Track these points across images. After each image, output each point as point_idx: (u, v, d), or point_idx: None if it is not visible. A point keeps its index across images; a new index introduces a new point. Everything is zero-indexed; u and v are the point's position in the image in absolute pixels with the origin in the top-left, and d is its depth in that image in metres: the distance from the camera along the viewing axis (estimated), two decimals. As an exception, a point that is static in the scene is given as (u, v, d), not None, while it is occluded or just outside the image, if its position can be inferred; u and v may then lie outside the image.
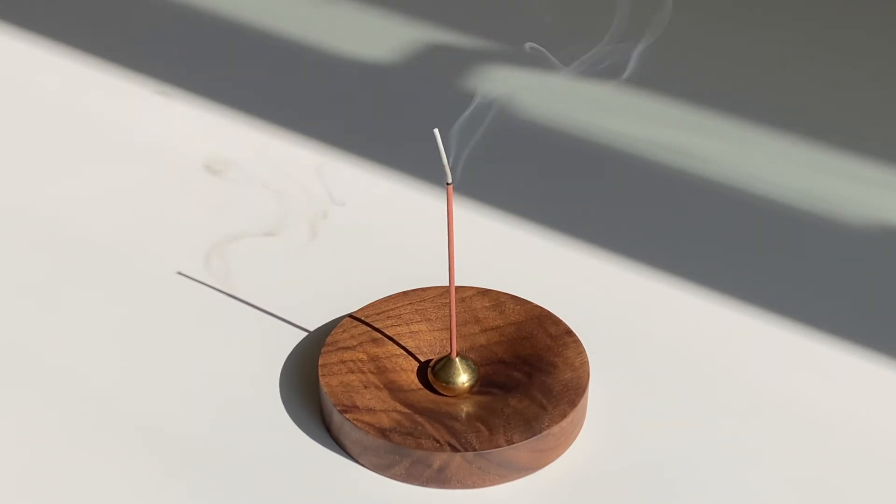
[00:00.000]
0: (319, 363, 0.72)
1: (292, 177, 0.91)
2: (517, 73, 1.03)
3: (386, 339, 0.74)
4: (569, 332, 0.74)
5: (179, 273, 0.82)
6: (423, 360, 0.74)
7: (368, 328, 0.75)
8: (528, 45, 0.67)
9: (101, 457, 0.71)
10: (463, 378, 0.71)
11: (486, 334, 0.75)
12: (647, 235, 0.86)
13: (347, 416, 0.69)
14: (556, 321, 0.75)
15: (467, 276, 0.79)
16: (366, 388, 0.71)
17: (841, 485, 0.69)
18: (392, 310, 0.76)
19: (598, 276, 0.82)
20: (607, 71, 0.70)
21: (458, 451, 0.68)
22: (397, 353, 0.74)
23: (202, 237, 0.85)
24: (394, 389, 0.71)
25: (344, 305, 0.78)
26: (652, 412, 0.73)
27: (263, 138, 0.95)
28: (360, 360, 0.73)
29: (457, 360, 0.72)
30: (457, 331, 0.73)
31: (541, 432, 0.69)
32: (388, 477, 0.69)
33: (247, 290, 0.81)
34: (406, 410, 0.70)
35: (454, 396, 0.72)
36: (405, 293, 0.77)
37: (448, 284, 0.72)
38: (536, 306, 0.76)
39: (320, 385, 0.71)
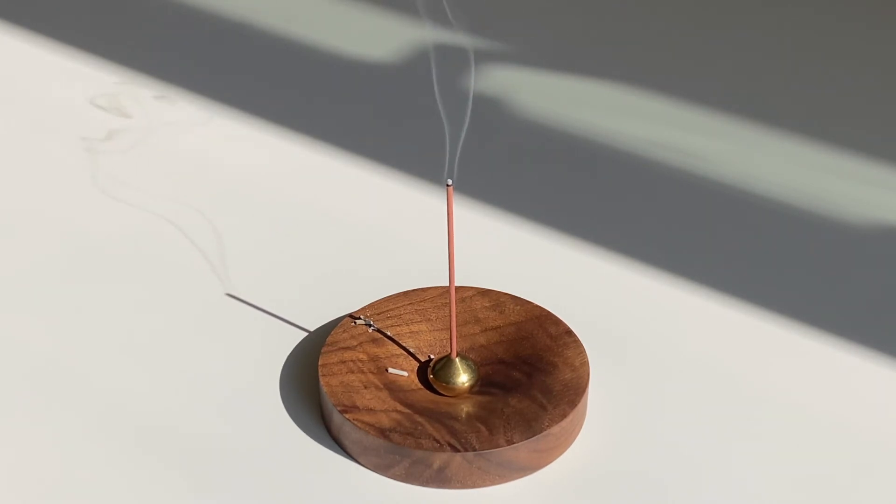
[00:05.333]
0: (319, 363, 0.72)
1: (292, 176, 0.91)
2: (517, 73, 1.03)
3: (386, 339, 0.74)
4: (569, 332, 0.74)
5: (179, 273, 0.82)
6: (423, 360, 0.74)
7: (368, 328, 0.75)
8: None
9: (100, 456, 0.71)
10: (463, 378, 0.71)
11: (486, 334, 0.75)
12: (647, 235, 0.86)
13: (347, 416, 0.69)
14: (556, 321, 0.75)
15: (467, 276, 0.79)
16: (366, 388, 0.71)
17: (844, 489, 0.69)
18: (392, 310, 0.76)
19: (598, 276, 0.82)
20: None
21: (458, 451, 0.68)
22: (397, 353, 0.74)
23: (201, 236, 0.85)
24: (394, 389, 0.71)
25: (344, 305, 0.78)
26: (652, 412, 0.73)
27: (260, 137, 0.95)
28: (360, 360, 0.73)
29: (457, 360, 0.72)
30: (457, 331, 0.73)
31: (541, 432, 0.69)
32: (388, 477, 0.69)
33: (247, 290, 0.81)
34: (406, 410, 0.70)
35: (454, 396, 0.72)
36: (405, 293, 0.77)
37: (448, 284, 0.72)
38: (536, 306, 0.76)
39: (320, 385, 0.72)
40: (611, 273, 0.83)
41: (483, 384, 0.72)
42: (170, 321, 0.79)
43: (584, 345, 0.73)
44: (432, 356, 0.74)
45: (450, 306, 0.70)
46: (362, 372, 0.72)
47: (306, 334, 0.78)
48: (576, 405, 0.70)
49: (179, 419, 0.73)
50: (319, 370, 0.72)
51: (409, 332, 0.75)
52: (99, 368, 0.76)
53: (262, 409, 0.73)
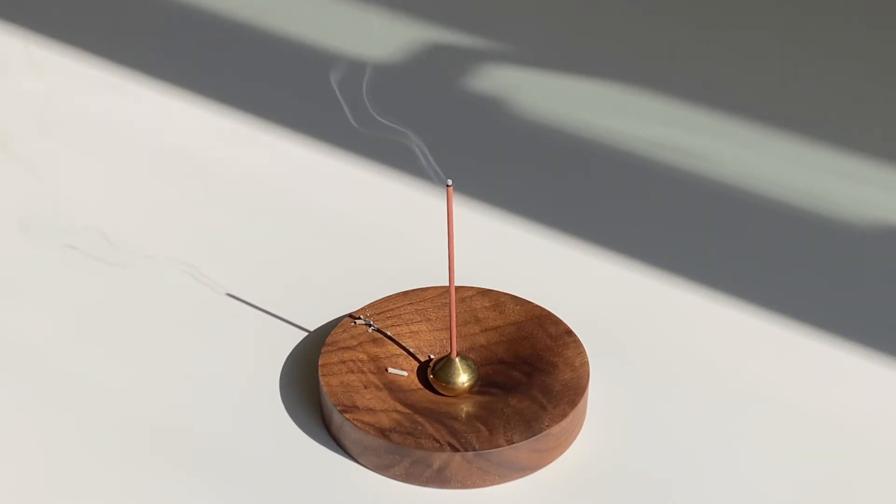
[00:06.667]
0: (319, 363, 0.72)
1: (292, 176, 0.92)
2: (517, 73, 1.03)
3: (386, 339, 0.74)
4: (569, 332, 0.74)
5: (179, 272, 0.82)
6: (423, 360, 0.74)
7: (368, 328, 0.75)
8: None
9: (101, 457, 0.71)
10: (463, 378, 0.71)
11: (486, 334, 0.75)
12: (647, 235, 0.86)
13: (347, 416, 0.69)
14: (556, 321, 0.75)
15: (467, 276, 0.79)
16: (366, 388, 0.71)
17: (845, 489, 0.69)
18: (392, 310, 0.76)
19: (598, 276, 0.82)
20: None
21: (458, 451, 0.68)
22: (397, 353, 0.74)
23: (201, 236, 0.85)
24: (394, 389, 0.71)
25: (344, 305, 0.78)
26: (652, 412, 0.73)
27: (260, 136, 0.95)
28: (360, 360, 0.73)
29: (457, 360, 0.72)
30: (457, 331, 0.73)
31: (541, 432, 0.69)
32: (388, 477, 0.69)
33: (247, 290, 0.81)
34: (406, 410, 0.70)
35: (454, 396, 0.72)
36: (405, 293, 0.77)
37: (448, 284, 0.72)
38: (536, 306, 0.76)
39: (320, 385, 0.72)
40: (611, 273, 0.83)
41: (483, 384, 0.72)
42: (170, 321, 0.79)
43: (584, 345, 0.73)
44: (432, 356, 0.74)
45: (450, 306, 0.70)
46: (362, 372, 0.72)
47: (306, 334, 0.78)
48: (576, 405, 0.70)
49: (179, 419, 0.73)
50: (319, 370, 0.72)
51: (409, 332, 0.75)
52: (97, 369, 0.76)
53: (262, 409, 0.73)
